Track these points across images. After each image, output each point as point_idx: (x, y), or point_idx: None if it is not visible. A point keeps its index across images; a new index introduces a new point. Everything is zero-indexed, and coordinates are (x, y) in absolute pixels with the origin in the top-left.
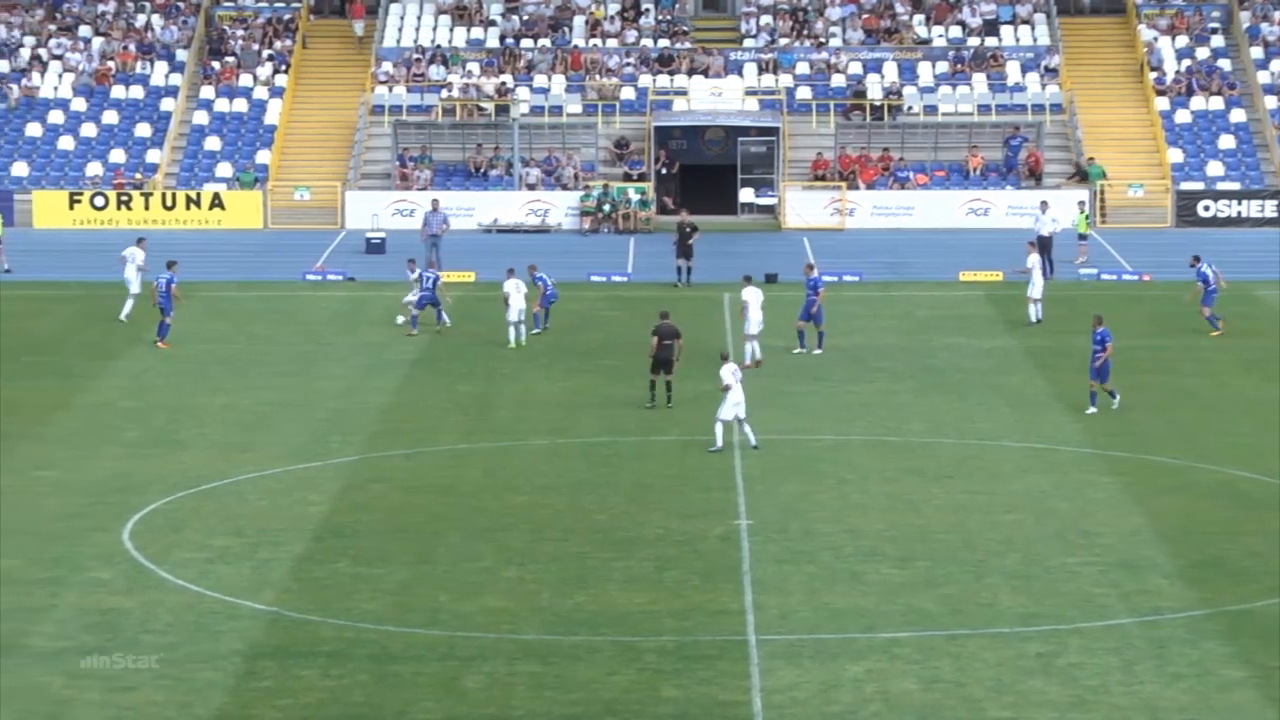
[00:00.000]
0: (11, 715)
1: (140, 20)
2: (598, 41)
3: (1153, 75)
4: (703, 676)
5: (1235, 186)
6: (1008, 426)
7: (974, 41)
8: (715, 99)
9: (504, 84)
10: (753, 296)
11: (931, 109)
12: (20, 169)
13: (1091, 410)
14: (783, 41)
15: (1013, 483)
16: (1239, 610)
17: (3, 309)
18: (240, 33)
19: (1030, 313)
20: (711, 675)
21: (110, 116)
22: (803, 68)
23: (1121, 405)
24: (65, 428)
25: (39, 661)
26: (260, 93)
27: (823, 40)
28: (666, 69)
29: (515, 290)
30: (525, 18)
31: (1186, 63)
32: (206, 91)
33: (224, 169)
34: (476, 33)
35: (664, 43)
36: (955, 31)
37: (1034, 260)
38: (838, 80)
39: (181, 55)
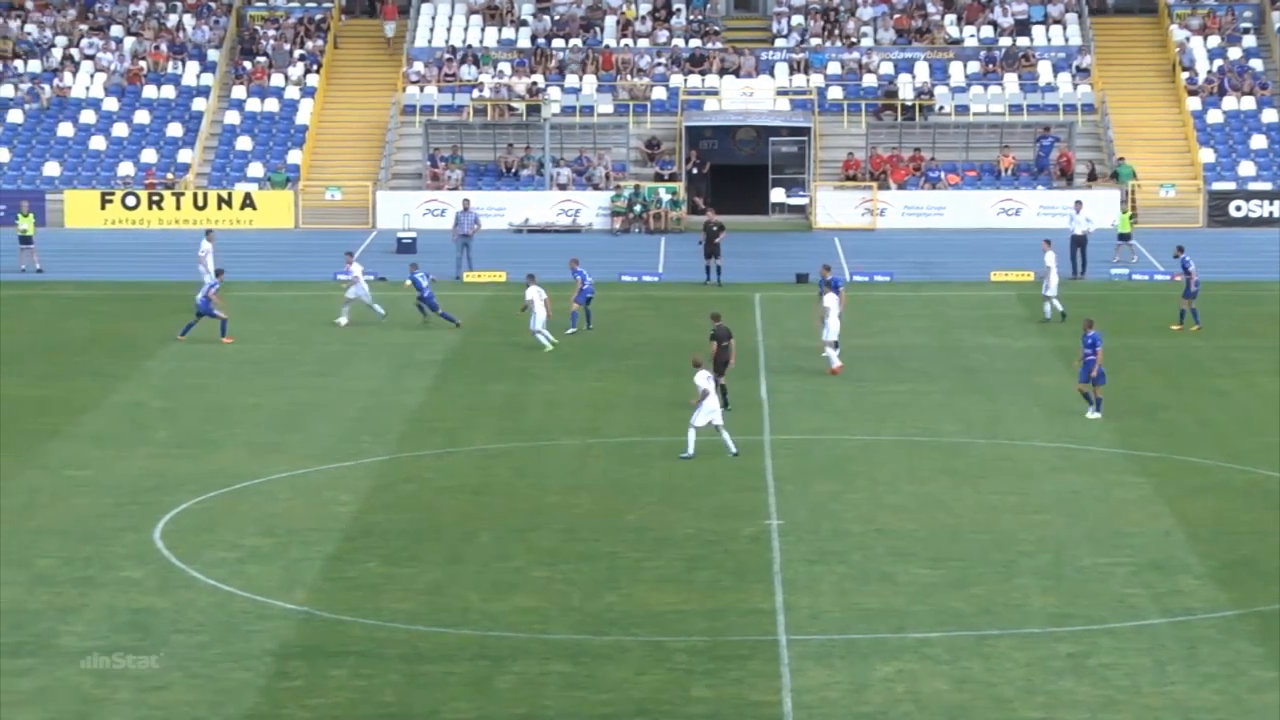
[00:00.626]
0: (43, 714)
1: (172, 20)
2: (629, 41)
3: (1184, 75)
4: (734, 676)
5: (1267, 187)
6: (1039, 427)
7: (1005, 41)
8: (746, 99)
9: (535, 84)
10: (832, 303)
11: (963, 109)
12: (52, 169)
13: (1093, 415)
14: (814, 41)
15: (1044, 483)
16: (1271, 611)
17: (35, 308)
18: (272, 32)
19: (1045, 310)
20: (742, 675)
21: (142, 116)
22: (834, 68)
23: (1152, 405)
24: (97, 427)
25: (71, 660)
26: (292, 92)
27: (854, 40)
28: (698, 69)
29: (538, 297)
30: (557, 18)
31: (1218, 63)
32: (238, 91)
33: (255, 169)
34: (508, 33)
35: (695, 43)
36: (987, 31)
37: (1051, 259)
38: (869, 80)
39: (213, 55)
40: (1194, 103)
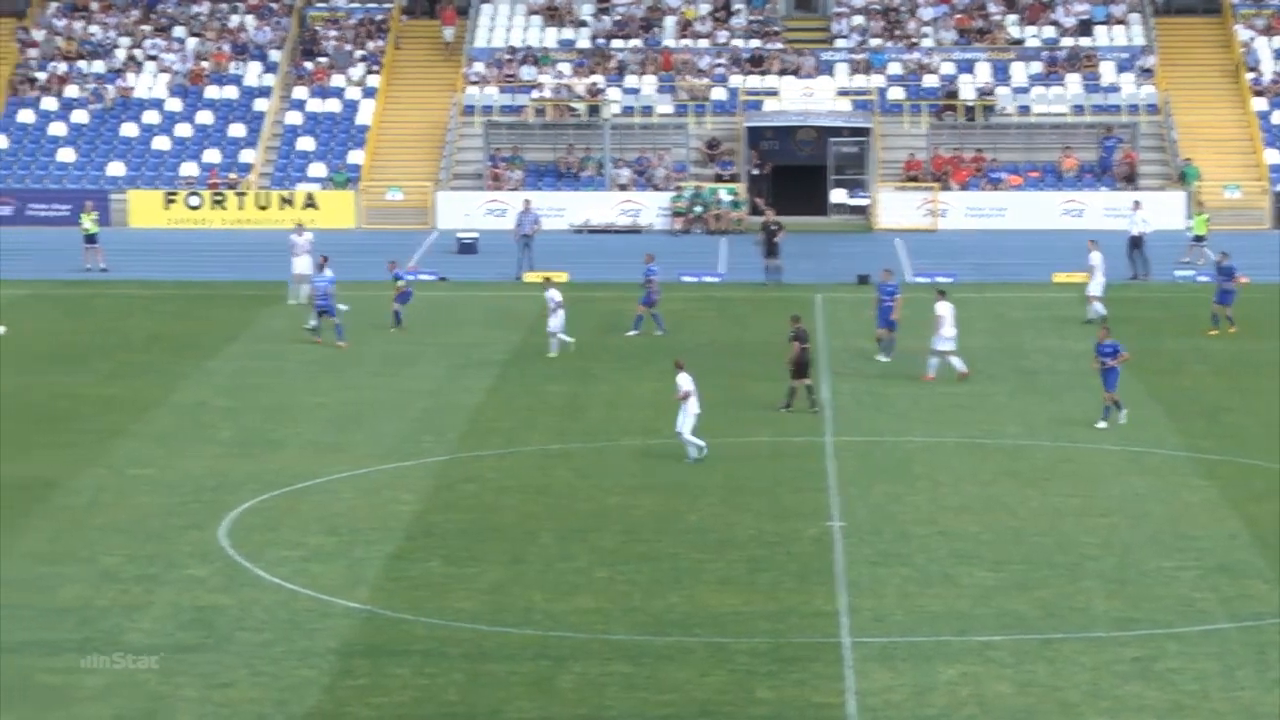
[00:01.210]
0: (110, 710)
1: (234, 21)
2: (689, 42)
3: (1249, 76)
4: (796, 678)
5: None
6: (1103, 429)
7: (1068, 42)
8: (806, 99)
9: (595, 84)
10: (946, 310)
11: (1025, 109)
12: (116, 169)
13: (1101, 425)
14: (874, 42)
15: (1108, 485)
16: None
17: (100, 307)
18: (333, 33)
19: (1088, 310)
20: (805, 677)
21: (205, 117)
22: (894, 68)
23: (1216, 407)
24: (161, 426)
25: (137, 657)
26: (353, 93)
27: (915, 40)
28: (758, 69)
29: (553, 300)
30: (617, 18)
31: None
32: (299, 92)
33: (317, 169)
34: (568, 33)
35: (755, 43)
36: (1049, 31)
37: (1096, 259)
38: (930, 81)
39: (275, 56)
40: (1260, 103)
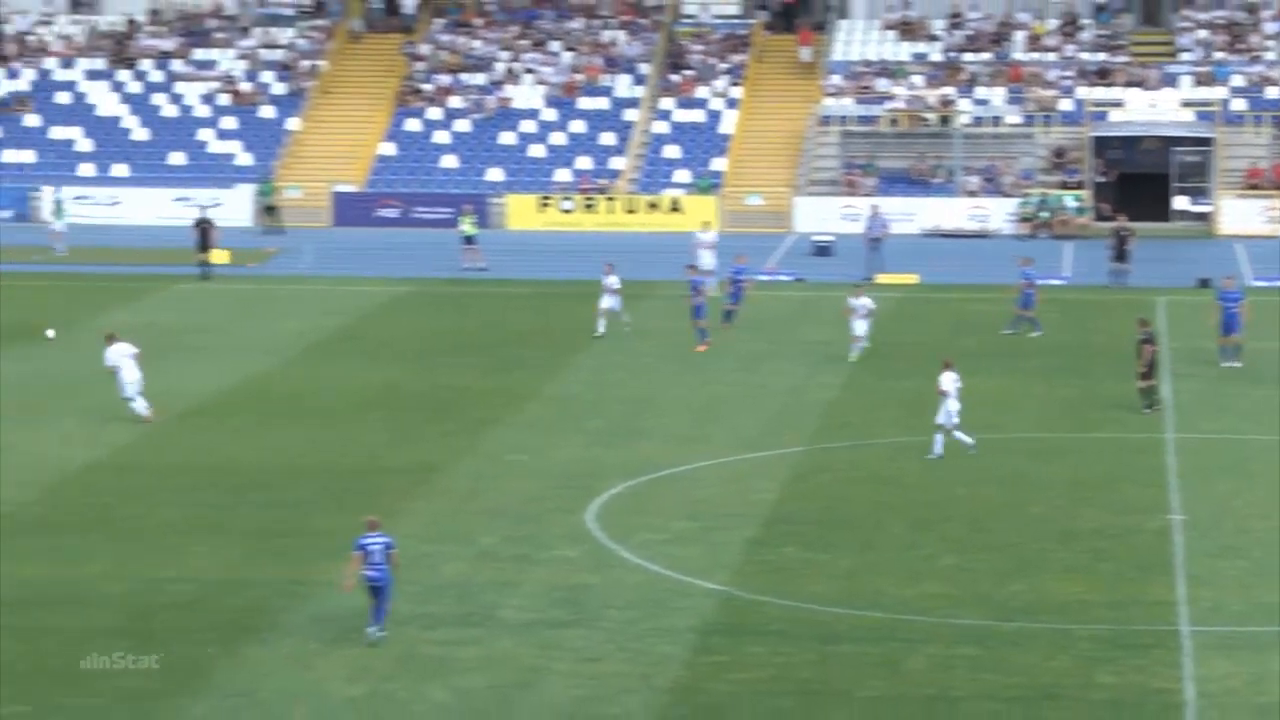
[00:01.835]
0: (485, 680)
1: (606, 36)
2: (1038, 55)
3: None
4: (1136, 664)
5: None
6: None
7: None
8: (1151, 110)
9: (947, 95)
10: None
11: None
12: (495, 174)
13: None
14: (1218, 55)
15: None
16: None
17: (479, 305)
18: (699, 47)
19: None
20: (1144, 664)
21: (578, 126)
22: (1237, 80)
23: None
24: (534, 416)
25: (511, 632)
26: (716, 104)
27: (1258, 54)
28: (1104, 81)
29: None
30: (968, 33)
31: None
32: (666, 102)
33: (682, 175)
34: (921, 47)
35: (1102, 56)
36: None
37: None
38: (1273, 92)
39: (644, 69)
40: None
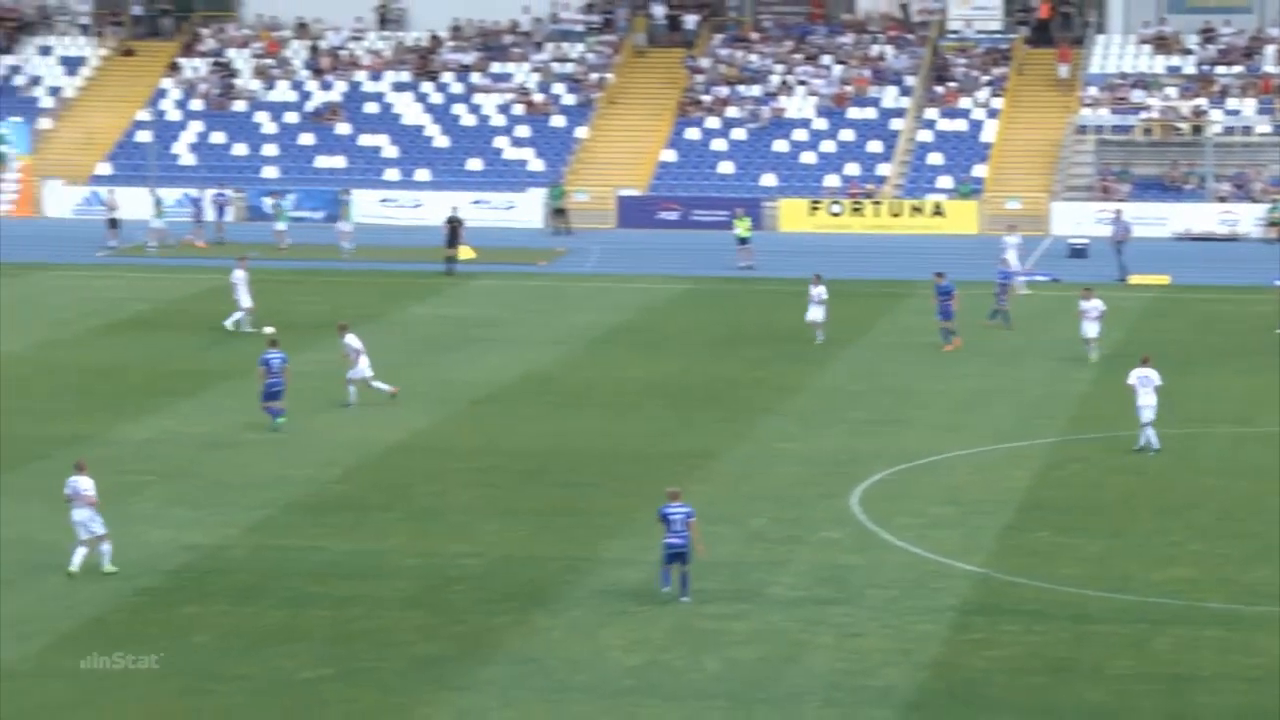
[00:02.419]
0: (755, 653)
1: (875, 50)
2: None
3: None
4: None
5: None
6: None
7: None
8: None
9: (1199, 106)
10: None
11: None
12: (769, 180)
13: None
14: None
15: None
16: None
17: (751, 303)
18: (962, 61)
19: None
20: None
21: (847, 134)
22: None
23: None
24: (802, 406)
25: (779, 608)
26: (978, 114)
27: None
28: None
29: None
30: (1220, 47)
31: None
32: (930, 112)
33: (944, 181)
34: (1175, 60)
35: None
36: None
37: None
38: None
39: (910, 81)
40: None
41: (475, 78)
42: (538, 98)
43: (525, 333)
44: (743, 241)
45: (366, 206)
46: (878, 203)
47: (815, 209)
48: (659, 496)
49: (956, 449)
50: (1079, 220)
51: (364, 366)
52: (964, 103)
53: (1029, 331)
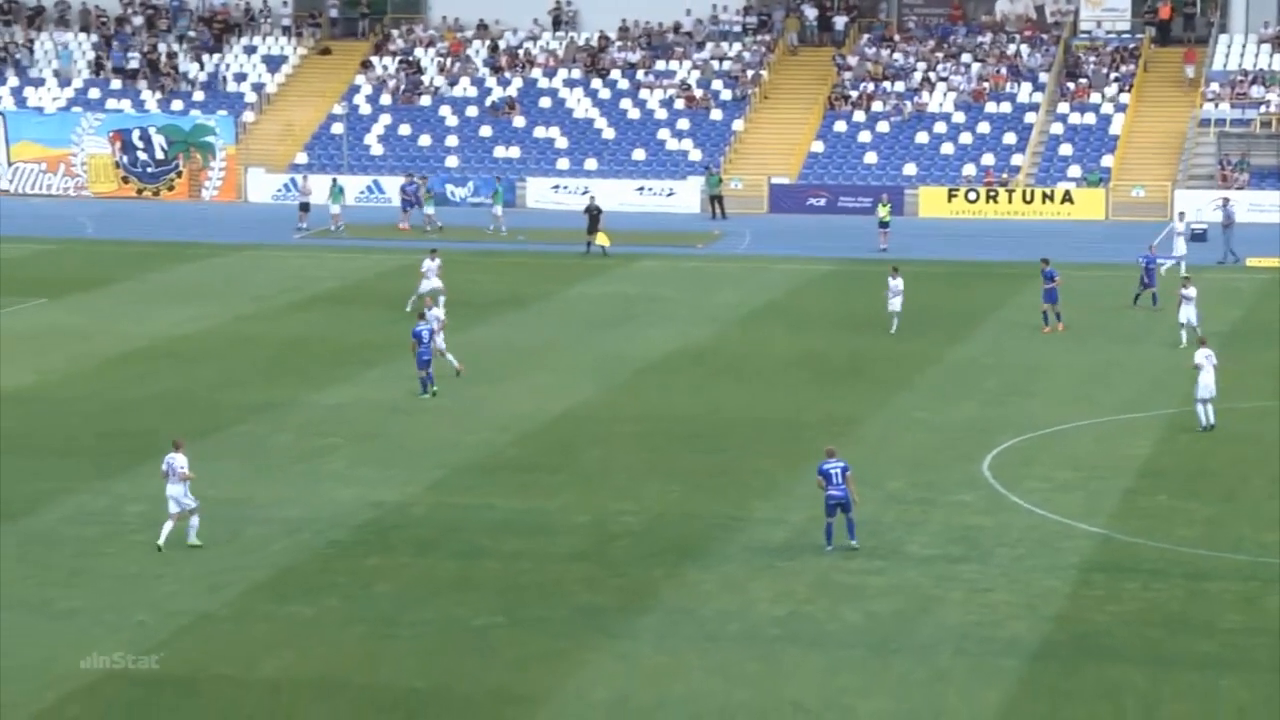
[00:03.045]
0: (892, 606)
1: (1011, 49)
2: None
3: None
4: None
5: None
6: None
7: None
8: None
9: None
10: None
11: None
12: (910, 169)
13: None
14: None
15: None
16: None
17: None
18: (1092, 59)
19: None
20: None
21: (983, 127)
22: None
23: None
24: (938, 378)
25: (914, 565)
26: (1106, 108)
27: None
28: None
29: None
30: None
31: None
32: (1062, 107)
33: (1074, 170)
34: None
35: None
36: None
37: None
38: None
39: (1043, 77)
40: None
41: (640, 74)
42: (698, 93)
43: (683, 310)
44: (883, 225)
45: (539, 193)
46: (1011, 191)
47: (953, 196)
48: (804, 460)
49: (1081, 419)
50: (1199, 207)
51: (439, 340)
52: (1094, 98)
53: (1151, 313)
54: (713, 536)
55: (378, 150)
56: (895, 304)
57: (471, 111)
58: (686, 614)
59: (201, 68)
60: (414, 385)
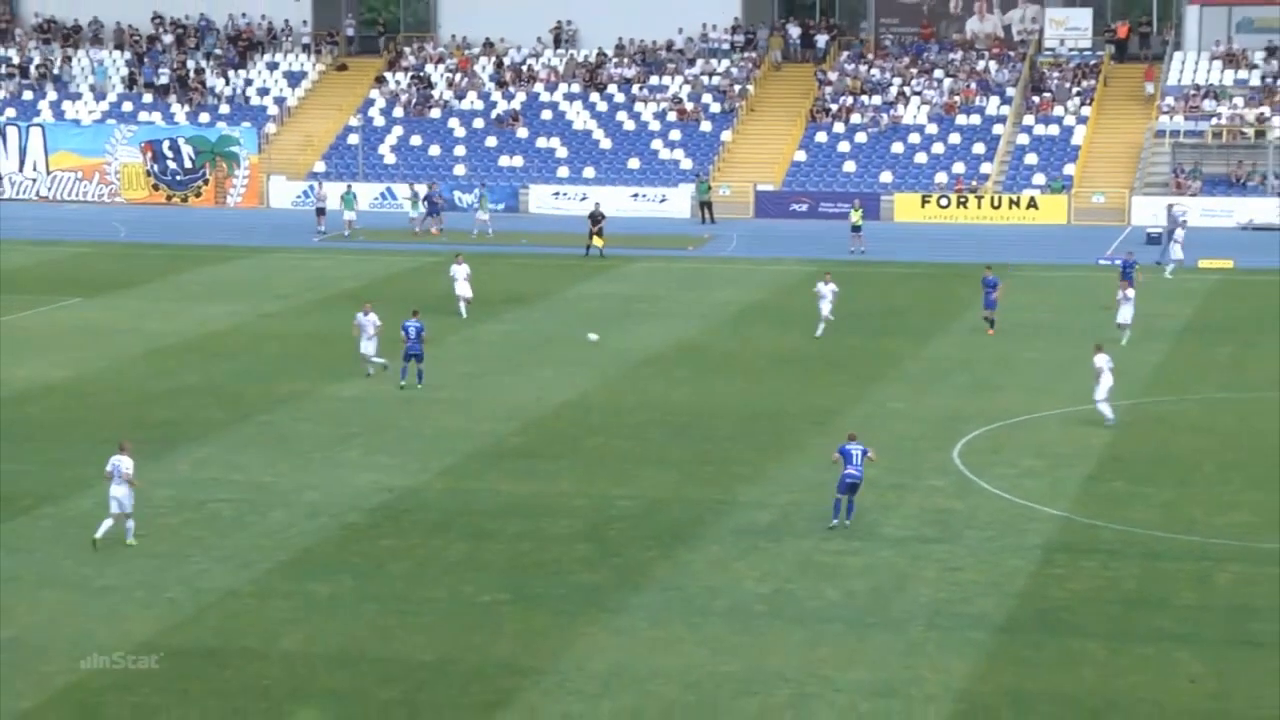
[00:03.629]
0: (868, 584)
1: (980, 65)
2: None
3: None
4: None
5: None
6: None
7: None
8: None
9: (1263, 114)
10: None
11: None
12: (886, 177)
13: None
14: None
15: None
16: None
17: (869, 283)
18: (1056, 74)
19: None
20: None
21: (954, 138)
22: None
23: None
24: (910, 372)
25: (890, 545)
26: (1069, 120)
27: None
28: None
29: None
30: None
31: None
32: (1027, 119)
33: (1038, 178)
34: (1242, 74)
35: None
36: None
37: None
38: None
39: (1010, 92)
40: None
41: (635, 89)
42: (688, 106)
43: (676, 308)
44: (855, 229)
45: (541, 199)
46: (980, 197)
47: (926, 202)
48: (789, 449)
49: (1046, 409)
50: (1155, 212)
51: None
52: (1057, 111)
53: (1109, 312)
54: (703, 520)
55: (391, 159)
56: (825, 308)
57: (478, 123)
58: (678, 591)
59: (227, 83)
60: (425, 379)
